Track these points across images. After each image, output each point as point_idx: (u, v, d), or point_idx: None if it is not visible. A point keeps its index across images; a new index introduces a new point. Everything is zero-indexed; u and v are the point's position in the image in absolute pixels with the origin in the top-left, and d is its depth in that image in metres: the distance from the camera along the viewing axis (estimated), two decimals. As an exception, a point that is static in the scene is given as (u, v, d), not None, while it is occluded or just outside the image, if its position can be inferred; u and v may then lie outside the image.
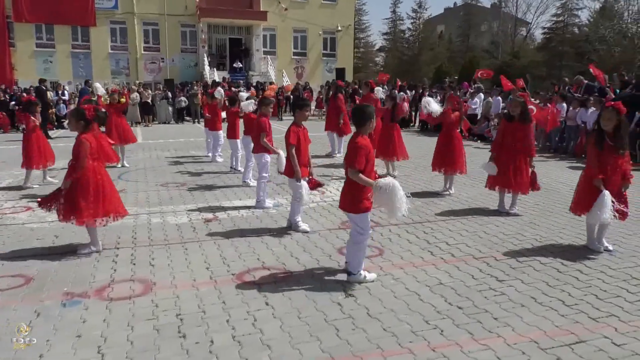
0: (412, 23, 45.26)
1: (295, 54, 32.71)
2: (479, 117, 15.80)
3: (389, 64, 44.15)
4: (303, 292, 4.03)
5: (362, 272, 4.27)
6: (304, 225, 5.82)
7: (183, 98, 22.84)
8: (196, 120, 22.55)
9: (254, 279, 4.34)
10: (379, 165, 10.08)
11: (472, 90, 16.62)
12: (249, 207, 6.87)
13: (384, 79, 16.87)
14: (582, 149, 11.78)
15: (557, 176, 9.36)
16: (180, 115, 23.05)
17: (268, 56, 30.94)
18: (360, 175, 4.03)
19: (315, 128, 13.35)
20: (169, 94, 22.89)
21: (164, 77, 29.22)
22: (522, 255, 4.97)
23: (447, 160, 7.62)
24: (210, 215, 6.44)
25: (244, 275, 4.41)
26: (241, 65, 29.44)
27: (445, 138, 7.68)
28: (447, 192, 7.78)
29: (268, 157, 6.89)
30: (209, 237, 5.55)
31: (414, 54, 41.89)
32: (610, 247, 5.13)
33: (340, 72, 28.02)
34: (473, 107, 15.92)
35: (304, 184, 5.71)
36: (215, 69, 28.62)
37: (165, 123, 22.49)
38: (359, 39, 47.00)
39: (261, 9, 30.64)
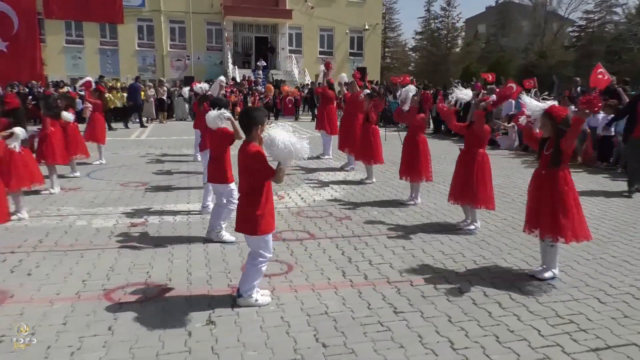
0: (440, 22, 43.94)
1: (321, 52, 32.25)
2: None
3: (418, 64, 43.07)
4: (160, 317, 3.58)
5: (254, 294, 3.79)
6: (227, 235, 5.37)
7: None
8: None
9: (122, 296, 3.93)
10: (360, 170, 9.57)
11: (484, 92, 15.69)
12: (189, 213, 6.49)
13: (398, 80, 16.17)
14: (588, 157, 10.83)
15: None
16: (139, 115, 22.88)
17: (292, 55, 30.62)
18: (277, 177, 3.56)
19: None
20: (185, 91, 22.85)
21: (190, 74, 29.44)
22: (445, 280, 4.37)
23: (411, 166, 6.99)
24: (140, 220, 6.10)
25: (113, 292, 4.01)
26: (264, 64, 29.21)
27: (409, 142, 7.05)
28: (413, 202, 7.16)
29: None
30: (119, 243, 5.20)
31: (442, 53, 40.60)
32: (557, 272, 4.45)
33: (361, 72, 27.31)
34: (485, 110, 15.05)
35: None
36: (236, 67, 28.50)
37: (182, 120, 22.52)
38: (390, 38, 46.05)
39: (287, 7, 30.35)
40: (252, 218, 3.65)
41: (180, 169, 9.81)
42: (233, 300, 3.82)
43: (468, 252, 5.14)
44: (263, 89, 24.23)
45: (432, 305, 3.87)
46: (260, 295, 3.84)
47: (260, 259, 3.72)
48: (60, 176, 8.52)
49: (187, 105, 22.89)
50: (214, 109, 5.04)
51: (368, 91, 9.11)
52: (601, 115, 10.67)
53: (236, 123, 5.00)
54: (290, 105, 23.55)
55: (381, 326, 3.51)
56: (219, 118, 4.96)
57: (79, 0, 27.61)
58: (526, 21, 39.01)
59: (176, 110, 23.05)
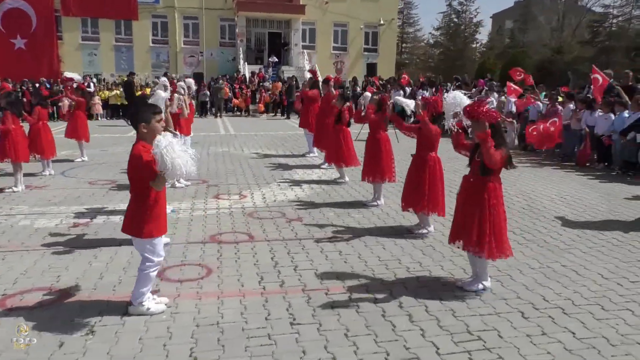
0: (457, 17, 42.85)
1: (335, 48, 31.94)
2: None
3: (434, 59, 42.17)
4: (43, 326, 3.43)
5: (145, 302, 3.61)
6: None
7: (207, 92, 22.86)
8: (218, 114, 22.51)
9: (17, 302, 3.80)
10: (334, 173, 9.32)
11: (486, 88, 15.20)
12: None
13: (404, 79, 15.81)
14: (586, 158, 10.31)
15: (542, 188, 8.11)
16: (203, 109, 23.06)
17: (305, 51, 30.38)
18: (155, 184, 3.38)
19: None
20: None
21: (202, 71, 29.60)
22: (365, 289, 4.11)
23: (373, 167, 6.71)
24: (85, 220, 6.00)
25: (11, 297, 3.88)
26: (276, 60, 29.10)
27: (370, 142, 6.77)
28: (375, 203, 6.88)
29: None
30: (48, 245, 5.08)
31: (459, 48, 39.62)
32: (487, 285, 4.14)
33: (372, 68, 26.96)
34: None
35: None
36: (245, 63, 28.44)
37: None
38: (407, 34, 45.23)
39: (300, 3, 30.12)
40: (137, 220, 3.47)
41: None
42: (126, 308, 3.65)
43: (406, 258, 4.86)
44: (270, 86, 24.12)
45: (337, 316, 3.63)
46: (155, 303, 3.66)
47: (148, 263, 3.53)
48: (32, 174, 8.57)
49: (194, 102, 22.99)
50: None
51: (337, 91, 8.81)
52: (598, 114, 10.14)
53: (170, 118, 4.85)
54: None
55: (268, 339, 3.29)
56: None
57: (95, -3, 27.99)
58: (545, 16, 37.77)
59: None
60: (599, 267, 4.67)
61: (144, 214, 3.45)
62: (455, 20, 42.57)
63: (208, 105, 23.15)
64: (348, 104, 8.34)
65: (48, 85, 22.50)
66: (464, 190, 4.07)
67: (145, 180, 3.39)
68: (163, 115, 3.83)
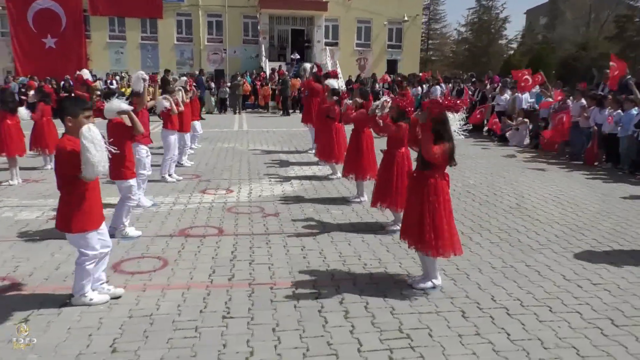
0: (483, 12, 41.78)
1: (358, 45, 31.73)
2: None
3: (459, 56, 41.33)
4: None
5: (87, 294, 3.66)
6: (132, 231, 5.29)
7: (226, 89, 23.07)
8: (237, 111, 22.69)
9: (-32, 288, 3.94)
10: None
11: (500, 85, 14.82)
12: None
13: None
14: (594, 157, 9.95)
15: (539, 187, 7.87)
16: (222, 105, 23.30)
17: (327, 47, 30.30)
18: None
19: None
20: (212, 85, 23.24)
21: (226, 68, 29.90)
22: (312, 285, 4.08)
23: (355, 163, 6.64)
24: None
25: (-37, 283, 4.03)
26: (298, 57, 29.10)
27: (353, 139, 6.69)
28: (358, 200, 6.81)
29: (144, 153, 6.40)
30: (22, 236, 5.24)
31: (484, 45, 38.69)
32: (437, 283, 4.04)
33: (392, 64, 26.67)
34: (500, 103, 14.21)
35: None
36: (266, 59, 28.57)
37: (208, 113, 22.87)
38: (434, 30, 44.48)
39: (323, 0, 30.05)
40: (66, 215, 3.52)
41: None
42: (69, 299, 3.72)
43: (368, 254, 4.80)
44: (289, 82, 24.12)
45: (273, 311, 3.61)
46: (97, 293, 3.72)
47: (83, 257, 3.58)
48: (34, 168, 8.84)
49: (213, 99, 23.27)
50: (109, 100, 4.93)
51: (335, 87, 8.69)
52: (607, 111, 9.76)
53: (135, 117, 4.90)
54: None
55: (194, 332, 3.30)
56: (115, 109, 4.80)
57: (122, -4, 28.62)
58: (573, 11, 36.51)
59: (206, 103, 23.39)
60: (565, 269, 4.50)
61: (74, 209, 3.48)
62: (485, 17, 41.55)
63: (227, 102, 23.36)
64: (338, 98, 8.22)
65: (71, 83, 23.15)
66: (409, 187, 3.99)
67: (70, 173, 3.41)
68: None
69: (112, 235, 5.13)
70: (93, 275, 3.67)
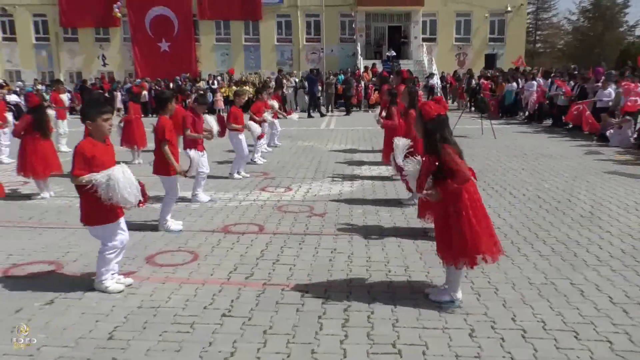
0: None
1: (457, 40, 30.54)
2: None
3: (569, 46, 37.83)
4: (24, 293, 3.93)
5: (105, 282, 3.94)
6: (175, 224, 5.57)
7: (319, 87, 23.35)
8: (329, 110, 22.92)
9: (13, 269, 4.40)
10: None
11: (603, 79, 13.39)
12: (184, 200, 6.79)
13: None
14: None
15: (626, 194, 7.03)
16: (316, 105, 23.62)
17: (424, 44, 29.52)
18: (81, 178, 3.70)
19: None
20: (305, 84, 23.65)
21: (323, 67, 30.32)
22: (322, 289, 3.99)
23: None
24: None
25: (19, 267, 4.49)
26: (394, 54, 28.68)
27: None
28: (412, 202, 6.55)
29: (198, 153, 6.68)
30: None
31: (598, 33, 34.99)
32: (457, 296, 3.76)
33: (491, 59, 25.24)
34: (605, 99, 12.88)
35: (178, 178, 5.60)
36: (361, 57, 28.46)
37: (302, 112, 23.34)
38: (542, 20, 41.22)
39: (421, -6, 29.31)
40: (87, 210, 3.78)
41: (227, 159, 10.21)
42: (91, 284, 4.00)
43: (398, 261, 4.59)
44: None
45: (273, 313, 3.60)
46: (115, 282, 3.96)
47: (104, 247, 3.84)
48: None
49: (306, 98, 23.70)
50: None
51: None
52: None
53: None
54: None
55: (189, 327, 3.39)
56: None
57: (226, 0, 30.16)
58: None
59: (299, 103, 23.91)
60: (616, 290, 3.95)
61: (92, 204, 3.73)
62: (601, 2, 37.69)
63: (320, 101, 23.66)
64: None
65: (180, 83, 24.93)
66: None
67: (84, 174, 3.66)
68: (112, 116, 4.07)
69: (156, 229, 5.50)
70: (113, 264, 3.92)
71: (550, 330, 3.33)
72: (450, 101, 23.63)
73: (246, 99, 9.64)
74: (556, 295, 3.86)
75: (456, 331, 3.33)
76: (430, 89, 23.54)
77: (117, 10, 30.03)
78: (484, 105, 13.39)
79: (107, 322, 3.46)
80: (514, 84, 17.93)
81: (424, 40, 30.01)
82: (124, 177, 3.65)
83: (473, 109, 18.76)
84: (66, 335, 3.29)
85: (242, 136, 8.37)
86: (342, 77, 24.60)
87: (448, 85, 24.51)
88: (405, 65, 27.81)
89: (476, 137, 12.90)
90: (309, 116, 20.63)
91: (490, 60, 24.89)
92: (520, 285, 4.06)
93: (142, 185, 3.88)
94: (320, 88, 23.32)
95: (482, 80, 20.00)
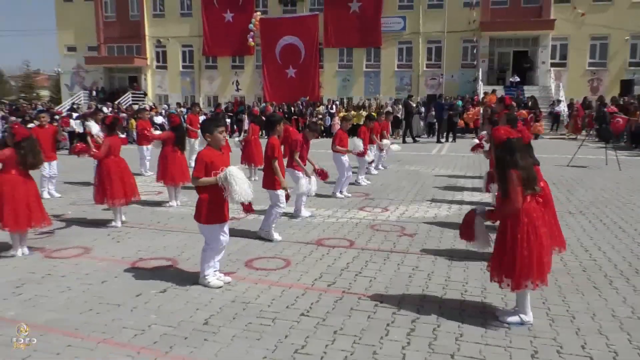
0: None
1: (590, 64, 28.52)
2: None
3: None
4: (149, 282, 4.73)
5: (207, 277, 4.59)
6: (275, 235, 6.16)
7: (433, 113, 23.29)
8: (444, 136, 22.68)
9: (139, 261, 5.25)
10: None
11: None
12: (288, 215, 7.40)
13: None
14: None
15: None
16: (431, 129, 23.58)
17: (552, 69, 28.02)
18: (200, 180, 4.40)
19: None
20: (422, 109, 23.73)
21: (442, 92, 30.16)
22: (396, 301, 4.25)
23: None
24: (240, 215, 7.38)
25: (144, 261, 5.35)
26: (517, 79, 27.62)
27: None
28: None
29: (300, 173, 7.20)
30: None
31: None
32: (527, 319, 3.81)
33: (627, 85, 23.07)
34: None
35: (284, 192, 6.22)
36: (481, 83, 27.76)
37: (417, 137, 23.43)
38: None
39: (551, 17, 27.97)
40: (199, 209, 4.45)
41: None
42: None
43: (476, 283, 4.70)
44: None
45: (346, 317, 3.94)
46: (216, 279, 4.59)
47: (206, 245, 4.49)
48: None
49: (422, 123, 23.76)
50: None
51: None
52: None
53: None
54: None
55: (271, 322, 3.86)
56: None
57: (350, 29, 31.44)
58: None
59: (416, 127, 24.00)
60: None
61: (203, 206, 4.41)
62: None
63: (435, 127, 23.56)
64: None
65: (301, 107, 26.41)
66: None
67: (203, 176, 4.35)
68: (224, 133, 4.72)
69: (260, 237, 6.13)
70: (214, 262, 4.56)
71: (619, 361, 3.27)
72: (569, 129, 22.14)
73: (352, 124, 10.16)
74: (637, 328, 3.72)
75: (518, 351, 3.41)
76: (555, 116, 22.31)
77: (251, 40, 32.76)
78: (607, 134, 12.52)
79: (205, 310, 4.07)
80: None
81: (552, 65, 28.52)
82: (239, 174, 4.25)
83: (597, 138, 17.46)
84: (172, 318, 3.95)
85: (345, 158, 8.89)
86: (460, 102, 24.29)
87: (575, 112, 23.01)
88: (530, 91, 26.70)
89: (598, 168, 12.10)
90: (403, 141, 20.63)
91: (627, 86, 22.86)
92: (602, 316, 3.96)
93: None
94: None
95: (608, 107, 18.52)
